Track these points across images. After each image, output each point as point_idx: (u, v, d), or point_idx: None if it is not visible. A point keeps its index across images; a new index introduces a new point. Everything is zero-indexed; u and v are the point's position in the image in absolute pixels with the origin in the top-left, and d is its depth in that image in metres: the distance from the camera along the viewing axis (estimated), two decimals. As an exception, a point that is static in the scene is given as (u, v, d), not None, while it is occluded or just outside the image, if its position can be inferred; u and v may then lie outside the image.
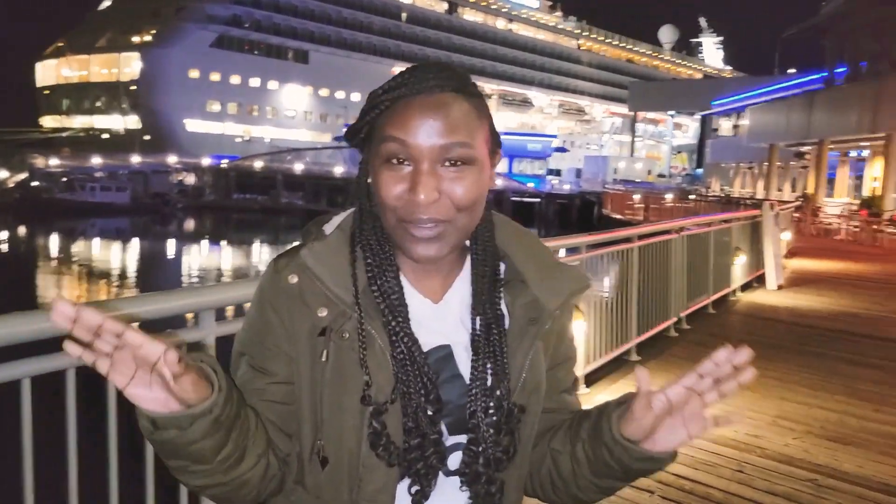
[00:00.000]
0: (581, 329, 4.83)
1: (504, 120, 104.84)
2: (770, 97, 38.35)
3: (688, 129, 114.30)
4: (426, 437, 1.01)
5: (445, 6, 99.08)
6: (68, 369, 1.94)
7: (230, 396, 0.95)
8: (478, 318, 1.08)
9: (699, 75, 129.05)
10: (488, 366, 1.06)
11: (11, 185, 50.70)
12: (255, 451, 1.02)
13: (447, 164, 1.00)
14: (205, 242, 43.87)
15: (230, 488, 1.02)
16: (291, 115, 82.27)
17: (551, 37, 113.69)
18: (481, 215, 1.08)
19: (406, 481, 1.03)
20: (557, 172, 69.25)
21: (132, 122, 72.68)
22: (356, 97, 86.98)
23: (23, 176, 51.59)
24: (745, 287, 9.83)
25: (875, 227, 19.57)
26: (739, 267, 9.40)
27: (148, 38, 74.00)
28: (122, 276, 30.78)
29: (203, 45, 74.10)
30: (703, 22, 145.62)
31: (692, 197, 33.07)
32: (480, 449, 1.03)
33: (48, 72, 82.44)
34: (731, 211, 12.27)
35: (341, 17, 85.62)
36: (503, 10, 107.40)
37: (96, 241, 40.28)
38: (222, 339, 2.34)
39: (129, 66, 73.81)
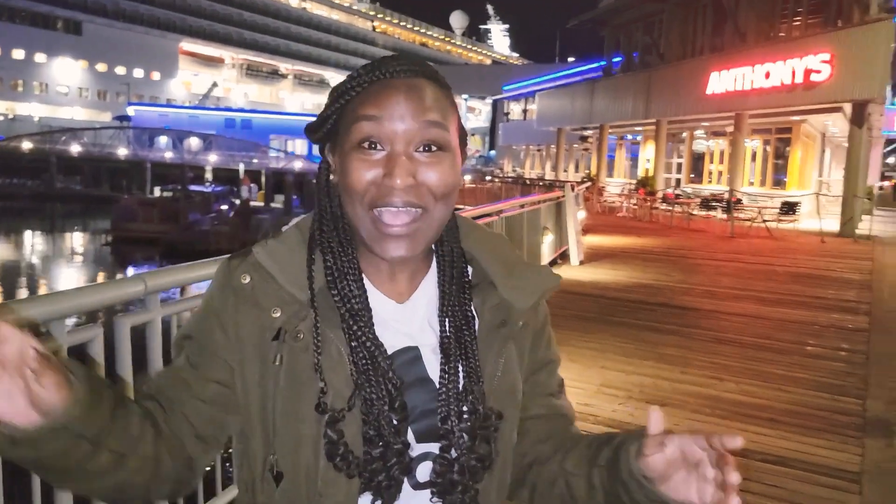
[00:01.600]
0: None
1: (301, 100, 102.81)
2: (555, 84, 40.93)
3: (480, 112, 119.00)
4: (389, 446, 0.93)
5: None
6: None
7: (96, 401, 0.82)
8: (447, 320, 1.02)
9: (489, 61, 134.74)
10: (459, 369, 0.99)
11: None
12: (141, 454, 0.90)
13: (422, 149, 0.95)
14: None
15: (110, 492, 0.91)
16: (64, 92, 74.76)
17: (346, 17, 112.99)
18: (451, 211, 1.01)
19: (368, 495, 0.95)
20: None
21: None
22: (139, 73, 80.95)
23: None
24: (552, 264, 10.45)
25: (650, 204, 21.64)
26: (547, 245, 9.97)
27: None
28: None
29: (-49, 9, 65.15)
30: (490, 9, 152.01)
31: (488, 178, 34.57)
32: (454, 456, 0.97)
33: None
34: (531, 193, 12.98)
35: (118, -13, 79.01)
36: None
37: None
38: (73, 348, 2.11)
39: None
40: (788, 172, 23.03)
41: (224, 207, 35.42)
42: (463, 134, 1.03)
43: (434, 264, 1.07)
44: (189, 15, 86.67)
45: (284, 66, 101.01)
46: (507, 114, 62.84)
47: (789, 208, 18.61)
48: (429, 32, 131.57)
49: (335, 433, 0.93)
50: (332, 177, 1.03)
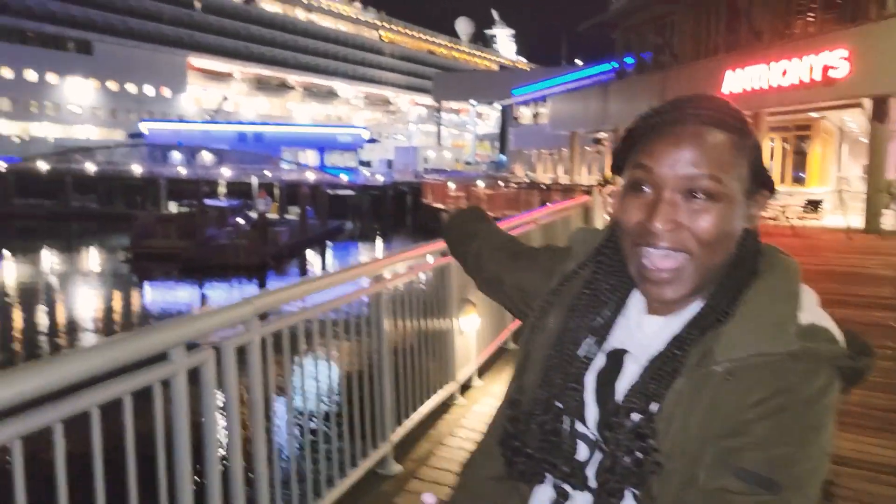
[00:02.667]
0: (474, 323, 4.93)
1: (310, 112, 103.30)
2: (567, 87, 40.95)
3: (489, 117, 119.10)
4: (559, 444, 1.02)
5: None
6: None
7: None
8: (673, 342, 1.00)
9: (496, 66, 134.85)
10: (649, 385, 0.98)
11: None
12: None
13: (691, 195, 0.97)
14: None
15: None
16: (77, 112, 75.47)
17: (352, 28, 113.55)
18: (725, 257, 1.00)
19: (542, 488, 1.05)
20: (368, 164, 69.58)
21: None
22: (150, 90, 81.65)
23: None
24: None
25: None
26: (579, 250, 9.99)
27: None
28: None
29: (-36, 33, 65.92)
30: (495, 14, 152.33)
31: (501, 184, 34.61)
32: (613, 457, 0.98)
33: None
34: (553, 197, 13.01)
35: (127, 5, 79.61)
36: (301, 0, 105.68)
37: None
38: (193, 371, 2.21)
39: None
40: (808, 169, 22.96)
41: (240, 221, 35.62)
42: (758, 178, 1.01)
43: (695, 304, 1.03)
44: (197, 31, 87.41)
45: (293, 78, 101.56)
46: (517, 118, 62.83)
47: (813, 205, 18.54)
48: (435, 40, 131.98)
49: (511, 425, 1.08)
50: None
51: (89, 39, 76.10)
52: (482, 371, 5.37)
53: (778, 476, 0.89)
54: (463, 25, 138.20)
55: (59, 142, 67.84)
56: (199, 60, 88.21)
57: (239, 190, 50.65)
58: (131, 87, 79.63)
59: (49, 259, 37.91)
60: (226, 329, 2.42)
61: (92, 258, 38.83)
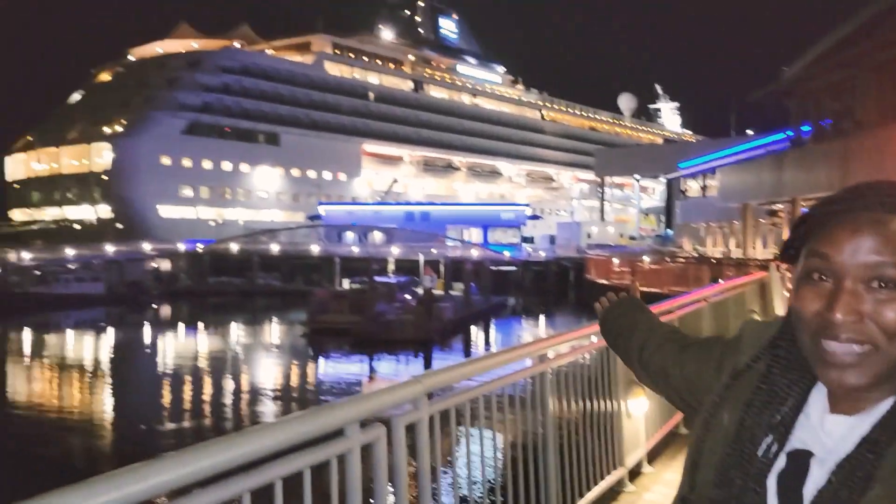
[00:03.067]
0: (643, 406, 4.77)
1: (475, 190, 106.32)
2: (737, 158, 39.44)
3: (654, 191, 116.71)
4: None
5: (411, 84, 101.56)
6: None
7: None
8: (863, 444, 0.92)
9: (660, 139, 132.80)
10: (840, 492, 0.90)
11: (-19, 281, 49.70)
12: None
13: (875, 284, 0.90)
14: (181, 329, 43.23)
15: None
16: (264, 197, 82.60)
17: (515, 109, 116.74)
18: None
19: None
20: (531, 240, 70.03)
21: (104, 211, 72.34)
22: (328, 175, 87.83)
23: (-7, 271, 50.62)
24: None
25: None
26: (755, 329, 9.42)
27: (119, 128, 74.43)
28: (97, 368, 30.09)
29: (174, 131, 74.68)
30: (658, 89, 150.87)
31: (668, 259, 33.49)
32: None
33: (17, 165, 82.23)
34: (724, 273, 12.42)
35: (310, 100, 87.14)
36: (467, 85, 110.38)
37: (70, 334, 39.44)
38: (365, 447, 2.32)
39: (100, 156, 73.95)
40: None
41: (408, 297, 36.81)
42: None
43: (887, 401, 0.95)
44: (371, 119, 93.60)
45: (458, 159, 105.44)
46: (684, 191, 61.11)
47: None
48: (597, 116, 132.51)
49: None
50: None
51: (277, 132, 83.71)
52: (652, 457, 5.15)
53: None
54: (625, 101, 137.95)
55: (248, 224, 74.31)
56: (372, 146, 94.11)
57: (407, 267, 52.58)
58: (312, 173, 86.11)
59: (237, 332, 41.04)
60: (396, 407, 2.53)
61: (274, 332, 41.60)
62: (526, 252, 61.27)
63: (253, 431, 1.96)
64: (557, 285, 53.03)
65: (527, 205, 77.66)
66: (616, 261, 31.03)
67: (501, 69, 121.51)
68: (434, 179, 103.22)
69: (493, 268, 54.92)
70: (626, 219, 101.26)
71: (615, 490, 4.47)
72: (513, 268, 56.65)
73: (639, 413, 4.75)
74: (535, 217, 74.46)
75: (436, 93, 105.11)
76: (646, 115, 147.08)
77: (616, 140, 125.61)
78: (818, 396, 1.00)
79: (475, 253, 55.64)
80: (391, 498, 2.54)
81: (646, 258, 31.18)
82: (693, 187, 60.46)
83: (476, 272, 51.28)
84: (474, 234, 67.22)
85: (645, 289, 24.07)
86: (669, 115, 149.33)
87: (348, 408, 2.27)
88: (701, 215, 50.75)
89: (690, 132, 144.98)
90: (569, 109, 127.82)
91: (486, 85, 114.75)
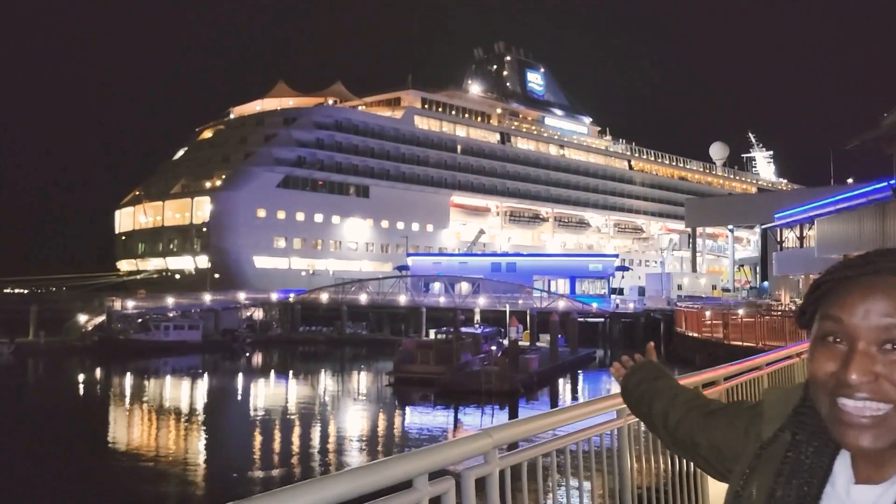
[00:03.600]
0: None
1: (562, 241, 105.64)
2: (836, 207, 37.84)
3: (748, 242, 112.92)
4: None
5: (498, 137, 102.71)
6: None
7: None
8: None
9: (753, 189, 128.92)
10: None
11: (90, 328, 52.65)
12: None
13: (888, 346, 0.95)
14: (272, 375, 44.33)
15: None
16: (354, 248, 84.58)
17: (603, 160, 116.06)
18: None
19: None
20: (620, 291, 68.70)
21: (203, 261, 75.66)
22: (416, 226, 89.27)
23: (101, 319, 53.58)
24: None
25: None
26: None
27: (218, 182, 78.22)
28: (192, 413, 31.10)
29: (270, 185, 77.88)
30: (752, 137, 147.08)
31: (765, 312, 32.15)
32: None
33: (126, 219, 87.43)
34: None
35: (399, 153, 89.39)
36: (554, 137, 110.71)
37: (168, 380, 41.08)
38: (435, 499, 2.34)
39: (201, 209, 77.74)
40: None
41: (493, 348, 36.65)
42: None
43: None
44: (458, 171, 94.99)
45: (545, 209, 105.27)
46: (781, 242, 58.90)
47: None
48: (687, 166, 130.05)
49: None
50: None
51: (367, 184, 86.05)
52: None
53: None
54: (717, 150, 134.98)
55: (337, 274, 76.08)
56: (459, 198, 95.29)
57: (493, 318, 52.44)
58: (400, 224, 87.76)
59: (325, 380, 41.79)
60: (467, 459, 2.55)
61: (361, 380, 42.11)
62: (614, 303, 60.13)
63: (322, 480, 2.02)
64: (646, 337, 51.50)
65: (615, 255, 76.56)
66: (708, 313, 30.02)
67: (588, 120, 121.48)
68: (521, 230, 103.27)
69: (581, 319, 54.12)
70: (718, 270, 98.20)
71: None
72: (601, 319, 55.67)
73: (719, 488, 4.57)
74: (623, 268, 73.17)
75: (522, 145, 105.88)
76: (738, 164, 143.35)
77: (707, 190, 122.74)
78: (843, 467, 1.03)
79: (562, 304, 55.00)
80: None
81: (739, 311, 30.04)
82: (790, 238, 58.15)
83: (563, 323, 50.61)
84: (561, 286, 66.54)
85: (737, 343, 23.18)
86: (763, 163, 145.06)
87: (417, 460, 2.30)
88: (798, 267, 48.74)
89: (785, 181, 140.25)
90: (658, 159, 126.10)
91: (573, 136, 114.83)
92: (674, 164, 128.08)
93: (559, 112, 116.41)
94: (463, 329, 40.19)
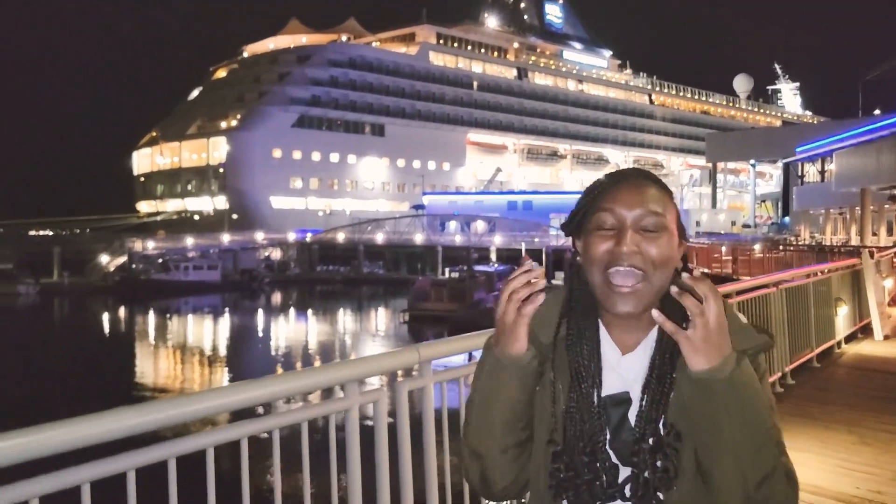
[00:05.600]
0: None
1: (580, 178, 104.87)
2: (857, 140, 37.19)
3: (771, 177, 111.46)
4: (597, 470, 1.24)
5: (515, 72, 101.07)
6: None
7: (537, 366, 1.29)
8: (656, 361, 1.26)
9: (778, 122, 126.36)
10: (654, 398, 1.24)
11: (112, 268, 53.69)
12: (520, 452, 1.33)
13: (644, 229, 1.24)
14: (291, 314, 45.15)
15: (492, 464, 1.32)
16: (370, 187, 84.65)
17: (623, 94, 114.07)
18: (668, 280, 1.25)
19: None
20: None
21: (221, 202, 76.27)
22: (432, 165, 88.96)
23: (122, 259, 54.60)
24: (850, 338, 9.46)
25: None
26: (842, 318, 9.07)
27: (234, 122, 78.14)
28: (214, 350, 31.92)
29: (285, 125, 77.69)
30: (778, 69, 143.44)
31: (780, 248, 32.02)
32: (646, 474, 1.21)
33: (143, 160, 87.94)
34: (826, 261, 11.91)
35: (415, 91, 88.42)
36: (573, 71, 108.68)
37: (189, 318, 41.99)
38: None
39: (217, 150, 77.92)
40: None
41: (506, 286, 36.92)
42: (682, 231, 1.31)
43: (653, 332, 1.30)
44: (475, 108, 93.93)
45: (563, 146, 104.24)
46: (802, 176, 58.16)
47: None
48: (709, 100, 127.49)
49: (556, 463, 1.26)
50: (578, 258, 1.33)
51: (383, 123, 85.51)
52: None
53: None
54: (741, 83, 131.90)
55: (354, 214, 76.45)
56: (476, 135, 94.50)
57: (508, 256, 52.70)
58: (416, 163, 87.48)
59: (342, 319, 42.51)
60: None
61: (377, 318, 42.82)
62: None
63: (263, 379, 2.23)
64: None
65: (633, 192, 75.84)
66: (724, 249, 29.90)
67: (608, 54, 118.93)
68: (538, 168, 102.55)
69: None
70: (740, 206, 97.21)
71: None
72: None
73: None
74: (640, 205, 72.58)
75: (540, 80, 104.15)
76: (763, 97, 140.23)
77: (730, 124, 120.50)
78: (608, 348, 1.30)
79: (577, 241, 54.95)
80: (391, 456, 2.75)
81: (755, 247, 29.92)
82: (811, 172, 57.29)
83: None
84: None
85: (746, 277, 23.20)
86: (790, 96, 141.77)
87: (347, 368, 2.49)
88: (819, 202, 48.23)
89: (811, 114, 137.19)
90: (679, 93, 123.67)
91: (592, 70, 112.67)
92: (696, 97, 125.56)
93: (578, 46, 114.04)
94: (477, 267, 40.50)
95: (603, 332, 1.32)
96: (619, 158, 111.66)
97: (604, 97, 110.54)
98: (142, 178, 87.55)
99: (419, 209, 70.04)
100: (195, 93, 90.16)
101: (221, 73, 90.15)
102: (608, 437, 1.26)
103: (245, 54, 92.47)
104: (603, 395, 1.27)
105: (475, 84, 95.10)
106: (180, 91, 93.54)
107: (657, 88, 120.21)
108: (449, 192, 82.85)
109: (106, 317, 42.74)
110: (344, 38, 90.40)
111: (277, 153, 77.33)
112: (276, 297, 51.44)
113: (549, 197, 74.87)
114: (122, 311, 44.10)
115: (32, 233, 76.15)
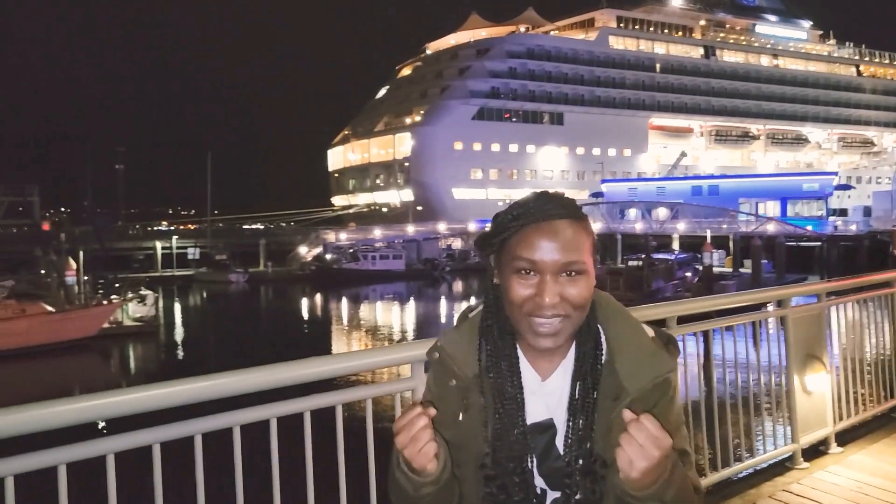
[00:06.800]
0: (824, 382, 4.57)
1: (775, 160, 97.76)
2: None
3: None
4: (528, 492, 1.31)
5: (701, 51, 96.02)
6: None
7: (448, 469, 1.30)
8: (577, 388, 1.33)
9: None
10: (580, 424, 1.31)
11: (309, 258, 57.98)
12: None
13: (565, 274, 1.28)
14: (472, 302, 46.18)
15: None
16: (549, 176, 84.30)
17: (825, 67, 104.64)
18: (586, 312, 1.33)
19: None
20: (843, 212, 62.58)
21: (406, 195, 79.52)
22: (612, 152, 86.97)
23: (318, 250, 58.77)
24: None
25: None
26: None
27: (418, 118, 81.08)
28: (403, 334, 33.63)
29: (465, 118, 79.39)
30: None
31: None
32: (577, 496, 1.29)
33: (336, 157, 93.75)
34: None
35: (594, 77, 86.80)
36: (766, 46, 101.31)
37: (378, 304, 44.43)
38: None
39: (403, 145, 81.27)
40: None
41: (688, 274, 35.52)
42: (594, 247, 1.35)
43: (573, 347, 1.38)
44: (657, 91, 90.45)
45: (756, 126, 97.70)
46: None
47: None
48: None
49: (490, 488, 1.32)
50: (495, 280, 1.37)
51: (561, 111, 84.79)
52: (845, 439, 4.87)
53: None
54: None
55: (534, 204, 76.25)
56: (659, 119, 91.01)
57: (691, 244, 50.47)
58: (596, 150, 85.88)
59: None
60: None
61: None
62: (833, 226, 55.21)
63: (334, 356, 2.52)
64: (871, 262, 47.11)
65: (834, 173, 69.53)
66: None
67: (807, 24, 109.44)
68: (728, 150, 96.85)
69: (792, 243, 50.44)
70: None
71: (786, 465, 4.40)
72: (816, 244, 51.46)
73: (819, 390, 4.55)
74: (844, 187, 66.35)
75: (729, 57, 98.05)
76: None
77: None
78: (528, 374, 1.35)
79: (770, 227, 51.50)
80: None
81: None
82: None
83: (770, 248, 47.56)
84: (770, 208, 61.98)
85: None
86: None
87: (414, 348, 2.60)
88: None
89: None
90: (893, 62, 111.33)
91: (788, 44, 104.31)
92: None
93: (773, 18, 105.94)
94: (656, 255, 39.22)
95: (521, 357, 1.36)
96: (821, 136, 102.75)
97: (803, 71, 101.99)
98: (336, 174, 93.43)
99: (598, 197, 68.79)
100: (383, 91, 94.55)
101: (406, 71, 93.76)
102: (535, 462, 1.32)
103: (428, 51, 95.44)
104: (528, 422, 1.32)
105: (658, 66, 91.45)
106: (371, 90, 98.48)
107: (866, 59, 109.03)
108: (628, 179, 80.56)
109: (304, 302, 46.33)
110: (522, 28, 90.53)
111: (458, 146, 79.22)
112: (457, 285, 52.94)
113: (737, 181, 70.53)
114: (318, 298, 47.57)
115: (245, 227, 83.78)
